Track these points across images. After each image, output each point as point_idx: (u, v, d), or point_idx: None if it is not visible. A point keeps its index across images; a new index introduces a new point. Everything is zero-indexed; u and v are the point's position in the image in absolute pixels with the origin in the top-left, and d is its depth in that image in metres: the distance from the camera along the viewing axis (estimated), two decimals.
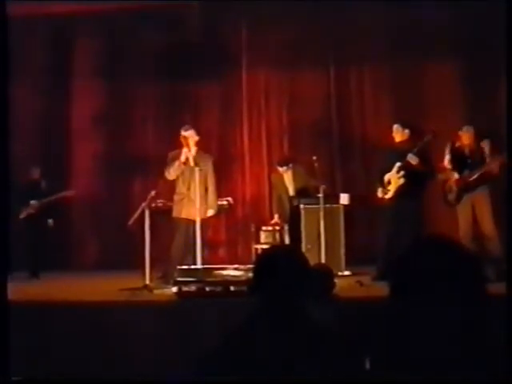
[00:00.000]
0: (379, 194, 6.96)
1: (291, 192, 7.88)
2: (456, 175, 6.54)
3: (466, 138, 6.59)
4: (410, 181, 6.73)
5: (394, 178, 6.82)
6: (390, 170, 6.85)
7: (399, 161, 6.76)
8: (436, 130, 6.93)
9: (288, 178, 7.91)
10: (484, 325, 1.45)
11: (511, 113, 4.71)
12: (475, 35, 8.46)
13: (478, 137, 6.50)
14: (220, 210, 7.51)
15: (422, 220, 6.94)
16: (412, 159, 6.65)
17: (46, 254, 8.15)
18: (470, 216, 6.48)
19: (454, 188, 6.54)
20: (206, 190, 6.85)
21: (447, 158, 6.64)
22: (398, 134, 6.96)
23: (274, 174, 8.15)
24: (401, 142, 6.95)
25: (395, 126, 7.01)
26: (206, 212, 6.82)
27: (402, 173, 6.75)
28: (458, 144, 6.64)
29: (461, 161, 6.57)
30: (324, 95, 9.04)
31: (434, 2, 8.34)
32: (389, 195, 6.87)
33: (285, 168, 7.87)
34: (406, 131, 6.95)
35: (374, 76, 9.00)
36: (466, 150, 6.58)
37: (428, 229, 8.07)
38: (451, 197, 6.59)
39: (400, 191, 6.78)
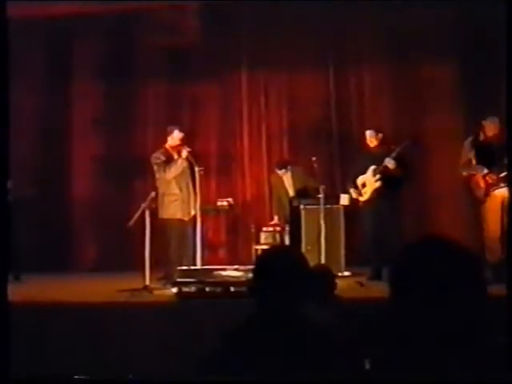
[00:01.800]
0: (353, 195, 7.09)
1: (291, 193, 7.90)
2: (485, 170, 6.08)
3: (490, 129, 6.16)
4: (387, 184, 6.76)
5: (369, 181, 6.90)
6: (363, 173, 6.91)
7: (374, 164, 6.81)
8: (416, 138, 6.98)
9: (287, 180, 7.94)
10: (484, 324, 1.45)
11: (511, 113, 4.69)
12: (475, 35, 8.45)
13: (504, 127, 5.89)
14: (220, 210, 7.55)
15: (399, 221, 6.98)
16: (390, 163, 6.69)
17: (45, 255, 8.07)
18: (500, 213, 6.06)
19: (482, 184, 6.13)
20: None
21: (472, 152, 6.20)
22: (373, 139, 7.00)
23: (274, 175, 8.16)
24: (376, 147, 7.00)
25: (368, 132, 7.04)
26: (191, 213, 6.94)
27: (378, 176, 6.80)
28: (482, 137, 6.23)
29: (487, 154, 6.09)
30: (323, 96, 9.03)
31: (434, 3, 8.32)
32: (364, 198, 6.97)
33: (283, 171, 7.91)
34: (380, 135, 7.00)
35: (374, 77, 9.00)
36: (493, 143, 6.11)
37: (427, 229, 8.13)
38: (479, 193, 6.17)
39: (376, 194, 6.83)
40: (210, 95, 9.26)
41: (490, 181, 6.11)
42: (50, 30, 9.39)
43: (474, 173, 6.21)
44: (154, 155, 7.03)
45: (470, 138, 6.37)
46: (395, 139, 7.15)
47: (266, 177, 9.05)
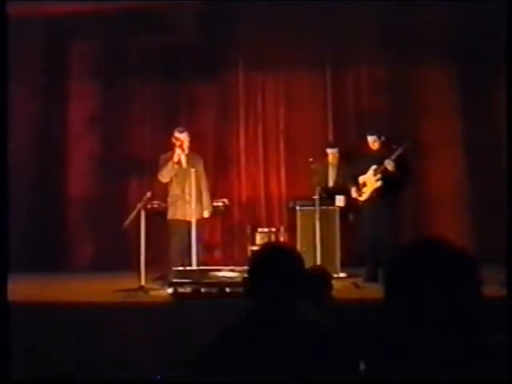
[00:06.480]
0: (353, 194, 7.07)
1: (331, 182, 7.74)
2: None
3: None
4: (387, 184, 6.78)
5: (370, 181, 6.92)
6: (365, 173, 6.92)
7: (376, 164, 6.83)
8: (417, 138, 6.97)
9: (333, 160, 7.79)
10: (481, 325, 1.45)
11: (511, 113, 4.69)
12: (474, 36, 8.43)
13: None
14: (216, 211, 7.52)
15: (397, 223, 7.01)
16: (389, 165, 6.72)
17: (41, 255, 8.05)
18: None
19: None
20: (200, 191, 6.89)
21: None
22: (376, 143, 7.01)
23: (317, 163, 7.84)
24: (378, 149, 7.02)
25: (371, 138, 7.02)
26: (201, 213, 6.86)
27: (378, 176, 6.81)
28: None
29: None
30: (320, 96, 9.03)
31: (433, 3, 8.33)
32: (364, 197, 6.98)
33: (336, 149, 7.81)
34: (383, 138, 7.02)
35: (371, 77, 8.99)
36: None
37: (425, 230, 8.14)
38: None
39: (376, 194, 6.85)
40: (206, 95, 9.24)
41: None
42: (45, 29, 9.37)
43: None
44: (162, 156, 6.98)
45: None
46: (393, 140, 7.15)
47: (262, 177, 9.06)
